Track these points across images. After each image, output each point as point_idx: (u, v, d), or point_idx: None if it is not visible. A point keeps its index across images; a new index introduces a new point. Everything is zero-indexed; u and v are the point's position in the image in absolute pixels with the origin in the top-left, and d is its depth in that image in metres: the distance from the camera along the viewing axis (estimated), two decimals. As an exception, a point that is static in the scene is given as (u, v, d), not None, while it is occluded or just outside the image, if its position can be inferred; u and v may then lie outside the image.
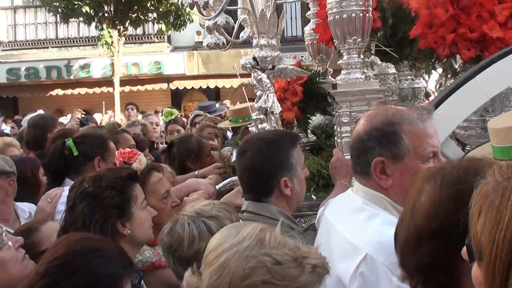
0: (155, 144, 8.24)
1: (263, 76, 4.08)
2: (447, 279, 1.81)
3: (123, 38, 20.58)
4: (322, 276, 2.02)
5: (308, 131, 5.18)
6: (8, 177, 4.44)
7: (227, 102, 15.03)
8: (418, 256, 1.84)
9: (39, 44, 25.11)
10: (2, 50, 24.95)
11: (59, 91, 24.31)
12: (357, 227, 2.48)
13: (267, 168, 3.22)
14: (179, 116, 10.31)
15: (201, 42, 19.88)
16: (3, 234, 2.85)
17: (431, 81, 5.16)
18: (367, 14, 3.75)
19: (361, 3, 3.72)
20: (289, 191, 3.22)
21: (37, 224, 3.56)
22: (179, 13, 19.69)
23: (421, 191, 1.89)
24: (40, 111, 15.42)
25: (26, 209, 4.62)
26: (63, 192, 4.22)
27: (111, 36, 19.97)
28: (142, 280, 2.70)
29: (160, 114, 13.73)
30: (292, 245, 1.99)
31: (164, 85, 24.25)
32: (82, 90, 24.14)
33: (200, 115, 9.44)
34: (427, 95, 5.47)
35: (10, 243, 2.84)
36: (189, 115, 10.34)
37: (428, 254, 1.82)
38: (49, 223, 3.55)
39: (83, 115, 12.89)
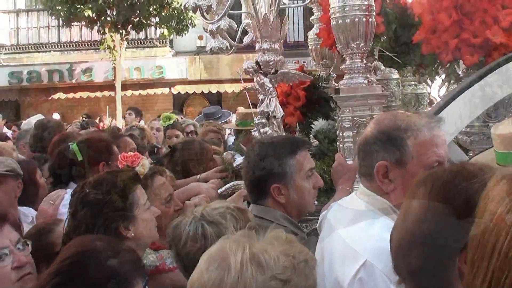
0: (156, 148, 8.22)
1: (266, 80, 4.08)
2: (438, 283, 1.81)
3: (125, 42, 20.60)
4: (315, 268, 2.00)
5: (311, 135, 5.17)
6: (17, 179, 4.44)
7: (240, 108, 14.93)
8: (410, 259, 1.85)
9: (42, 47, 25.13)
10: (5, 54, 24.98)
11: (61, 95, 24.33)
12: (358, 232, 2.47)
13: (257, 173, 3.25)
14: (177, 120, 10.25)
15: (203, 47, 19.94)
16: (7, 249, 2.83)
17: (434, 86, 5.16)
18: (370, 19, 3.75)
19: (364, 7, 3.72)
20: (283, 198, 3.21)
21: (51, 225, 3.54)
22: (181, 17, 19.71)
23: (414, 196, 1.90)
24: (56, 115, 15.40)
25: (28, 213, 4.61)
26: (65, 195, 4.22)
27: (113, 40, 20.00)
28: (147, 287, 2.70)
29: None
30: (282, 252, 1.93)
31: (165, 90, 24.26)
32: (84, 94, 24.15)
33: (189, 124, 9.40)
34: (430, 102, 5.47)
35: (7, 259, 2.82)
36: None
37: (419, 258, 1.82)
38: (62, 224, 3.54)
39: (84, 119, 12.85)
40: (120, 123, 16.22)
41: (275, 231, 2.03)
